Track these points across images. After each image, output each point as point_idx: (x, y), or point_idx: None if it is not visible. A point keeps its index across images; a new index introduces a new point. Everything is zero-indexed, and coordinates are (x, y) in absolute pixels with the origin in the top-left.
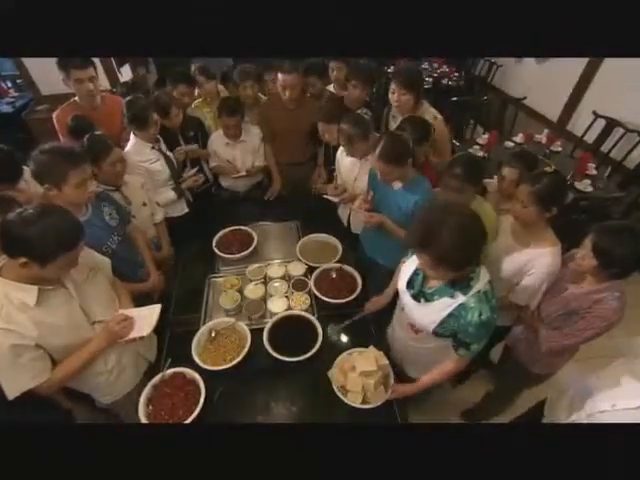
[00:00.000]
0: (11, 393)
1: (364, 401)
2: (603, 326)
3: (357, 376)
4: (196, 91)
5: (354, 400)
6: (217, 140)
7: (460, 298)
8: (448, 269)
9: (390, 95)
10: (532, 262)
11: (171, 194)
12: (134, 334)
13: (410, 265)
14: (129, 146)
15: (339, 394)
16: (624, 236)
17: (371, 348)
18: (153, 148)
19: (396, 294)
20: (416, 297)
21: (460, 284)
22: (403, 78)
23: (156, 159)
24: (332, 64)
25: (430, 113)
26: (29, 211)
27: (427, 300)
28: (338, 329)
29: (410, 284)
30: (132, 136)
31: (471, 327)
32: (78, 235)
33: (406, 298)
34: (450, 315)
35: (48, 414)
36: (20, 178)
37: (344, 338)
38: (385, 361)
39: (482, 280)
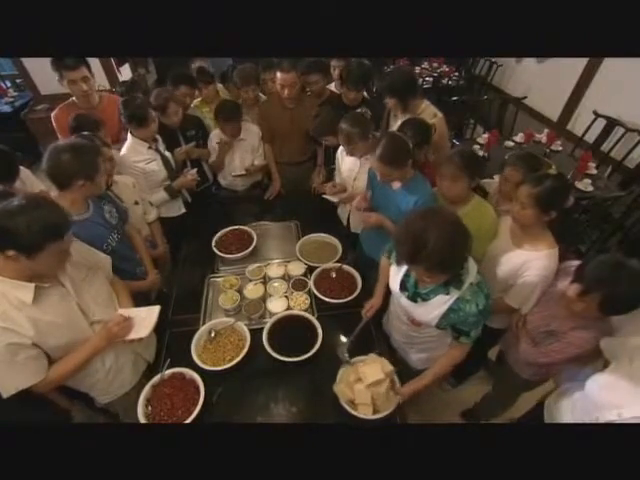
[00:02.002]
0: (6, 392)
1: (375, 411)
2: (576, 352)
3: (365, 388)
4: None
5: (365, 412)
6: (217, 138)
7: (455, 293)
8: (442, 274)
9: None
10: (528, 264)
11: (162, 194)
12: (132, 335)
13: (399, 269)
14: (126, 146)
15: (348, 408)
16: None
17: (372, 355)
18: (150, 148)
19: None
20: (413, 298)
21: (452, 281)
22: (386, 84)
23: (152, 159)
24: (334, 62)
25: (430, 111)
26: (13, 203)
27: (424, 300)
28: (348, 345)
29: (403, 286)
30: (129, 136)
31: (471, 317)
32: (64, 225)
33: (402, 300)
34: (450, 309)
35: (45, 413)
36: (17, 177)
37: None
38: (390, 367)
39: (472, 272)
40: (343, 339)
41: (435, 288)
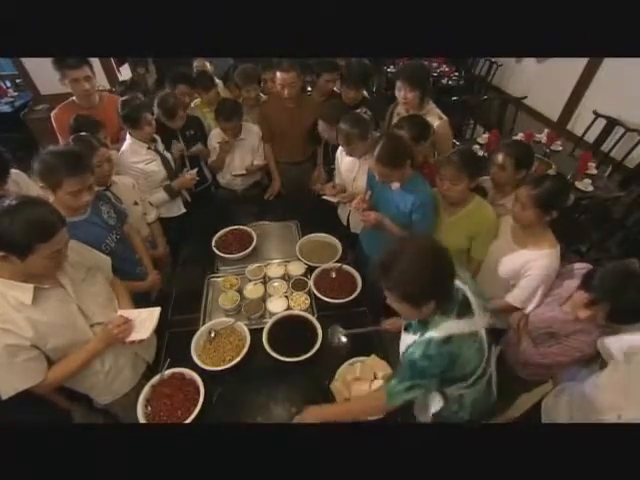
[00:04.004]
0: (5, 393)
1: None
2: (577, 356)
3: (361, 388)
4: None
5: None
6: (217, 137)
7: (416, 336)
8: (405, 304)
9: (397, 92)
10: (530, 263)
11: (162, 194)
12: (133, 337)
13: None
14: (125, 146)
15: None
16: None
17: (373, 357)
18: (149, 148)
19: None
20: (405, 327)
21: (421, 324)
22: (409, 75)
23: (152, 159)
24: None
25: (435, 113)
26: (3, 204)
27: (405, 330)
28: (343, 333)
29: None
30: (128, 136)
31: (405, 361)
32: (53, 226)
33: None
34: (406, 349)
35: (44, 413)
36: (7, 178)
37: (344, 340)
38: (388, 370)
39: (439, 332)
40: (343, 339)
41: (413, 323)
